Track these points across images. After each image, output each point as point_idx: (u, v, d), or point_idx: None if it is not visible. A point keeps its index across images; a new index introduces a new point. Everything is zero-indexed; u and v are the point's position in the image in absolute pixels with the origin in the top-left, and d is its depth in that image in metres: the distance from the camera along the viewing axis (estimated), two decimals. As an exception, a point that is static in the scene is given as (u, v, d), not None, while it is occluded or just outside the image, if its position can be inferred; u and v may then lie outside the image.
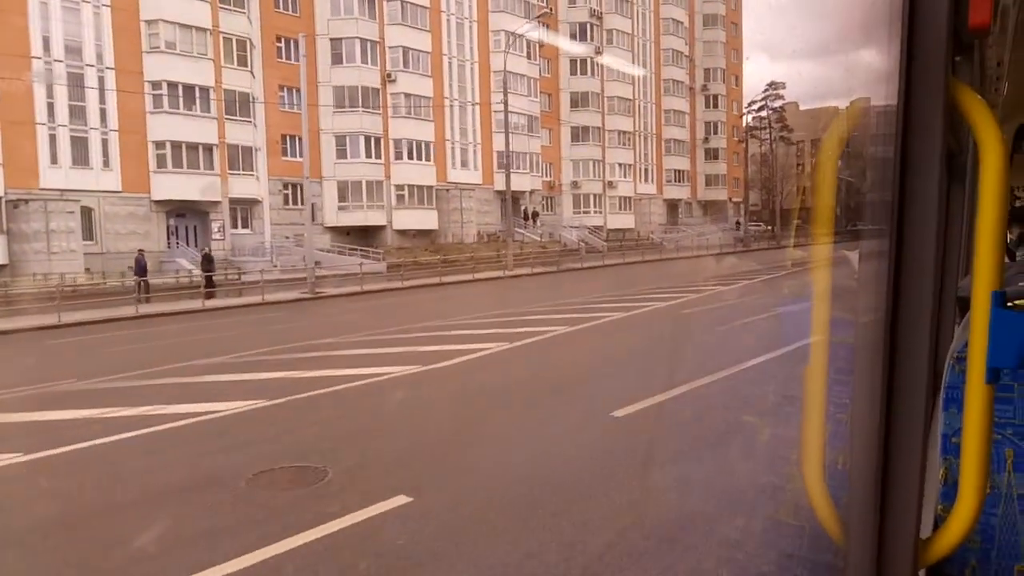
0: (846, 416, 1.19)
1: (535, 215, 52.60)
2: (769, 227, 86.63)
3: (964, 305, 1.84)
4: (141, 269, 27.76)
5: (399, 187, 44.40)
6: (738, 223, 76.87)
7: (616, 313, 15.99)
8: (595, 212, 58.28)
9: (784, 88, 66.36)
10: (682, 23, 65.69)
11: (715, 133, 71.38)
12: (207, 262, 28.94)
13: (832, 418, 1.31)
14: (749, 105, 67.12)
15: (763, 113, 65.97)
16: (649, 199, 63.07)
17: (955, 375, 1.50)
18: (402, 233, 44.69)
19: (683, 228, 64.89)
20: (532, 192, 54.15)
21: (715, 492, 5.67)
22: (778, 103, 66.21)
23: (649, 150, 63.97)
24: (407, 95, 44.35)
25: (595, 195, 58.27)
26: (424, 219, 45.18)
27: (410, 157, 44.60)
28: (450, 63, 47.88)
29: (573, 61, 57.06)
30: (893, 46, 1.06)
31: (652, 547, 4.70)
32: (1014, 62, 2.10)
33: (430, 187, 45.54)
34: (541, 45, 54.80)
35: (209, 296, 25.71)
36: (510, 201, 37.28)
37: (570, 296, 21.71)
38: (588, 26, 57.25)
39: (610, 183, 58.96)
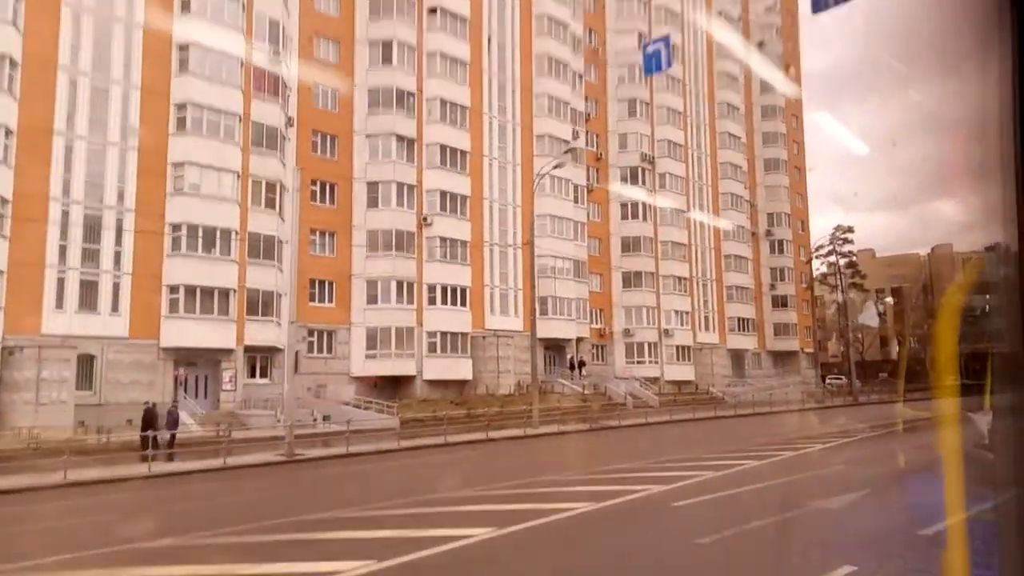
0: None
1: (581, 364, 48.27)
2: (848, 381, 79.24)
3: None
4: (147, 423, 23.25)
5: (431, 334, 41.24)
6: (823, 378, 70.48)
7: (585, 504, 11.47)
8: (650, 362, 53.51)
9: (853, 232, 61.84)
10: (740, 167, 63.01)
11: (782, 279, 66.66)
12: (150, 418, 23.27)
13: None
14: (817, 249, 62.65)
15: (832, 258, 61.26)
16: (711, 349, 57.98)
17: None
18: (433, 383, 41.02)
19: (750, 381, 59.10)
20: (580, 340, 50.19)
21: None
22: (847, 248, 61.58)
23: (709, 297, 59.64)
24: (443, 239, 42.13)
25: (650, 344, 53.76)
26: (456, 368, 41.53)
27: (444, 302, 41.71)
28: (491, 206, 45.87)
29: (624, 205, 54.51)
30: (1008, 193, 0.99)
31: None
32: None
33: (464, 334, 42.21)
34: (590, 190, 52.67)
35: (168, 458, 22.11)
36: (535, 349, 33.31)
37: (564, 469, 17.25)
38: (639, 170, 55.06)
39: (666, 331, 54.48)
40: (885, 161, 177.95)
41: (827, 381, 75.65)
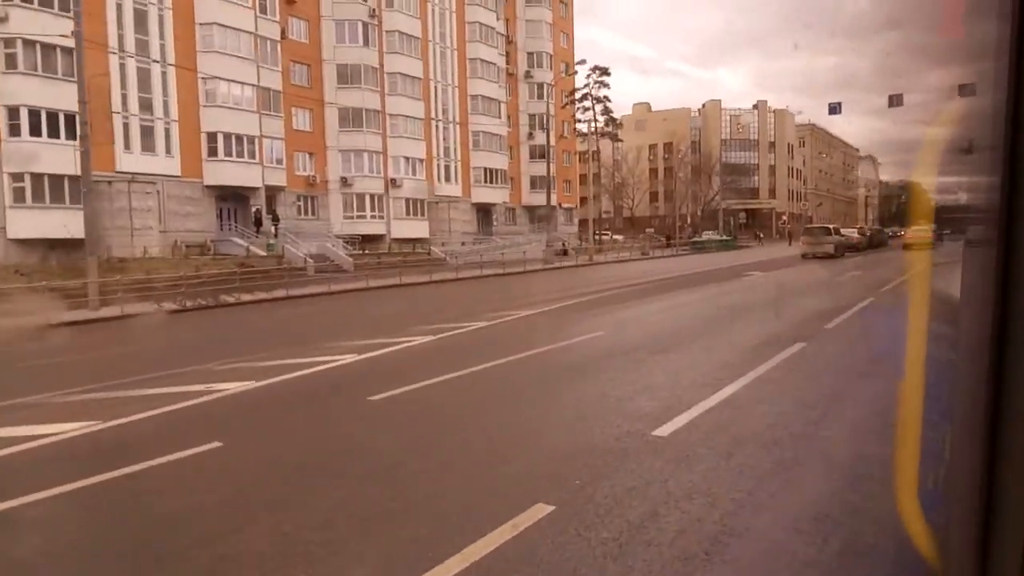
0: (941, 435, 1.08)
1: (275, 218, 37.57)
2: (607, 235, 74.73)
3: None
4: None
5: (16, 177, 28.53)
6: (598, 235, 64.54)
7: None
8: (373, 217, 43.83)
9: (609, 75, 53.88)
10: (493, -8, 52.14)
11: (542, 127, 58.23)
12: None
13: (926, 436, 1.17)
14: (571, 93, 54.33)
15: (587, 103, 53.34)
16: (450, 202, 49.11)
17: None
18: (24, 244, 28.78)
19: (497, 238, 51.36)
20: (280, 190, 39.27)
21: (789, 510, 4.56)
22: (603, 92, 53.78)
23: (452, 143, 50.07)
24: (29, 41, 28.56)
25: (374, 195, 43.81)
26: (60, 223, 29.32)
27: (37, 132, 28.73)
28: (120, 5, 32.21)
29: (340, 24, 42.39)
30: (1003, 34, 0.92)
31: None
32: None
33: (73, 177, 29.76)
34: (291, 0, 39.98)
35: None
36: (89, 195, 21.90)
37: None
38: (360, -18, 42.78)
39: (393, 181, 44.65)
40: (675, 24, 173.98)
41: (598, 238, 70.80)
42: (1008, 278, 0.93)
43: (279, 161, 38.73)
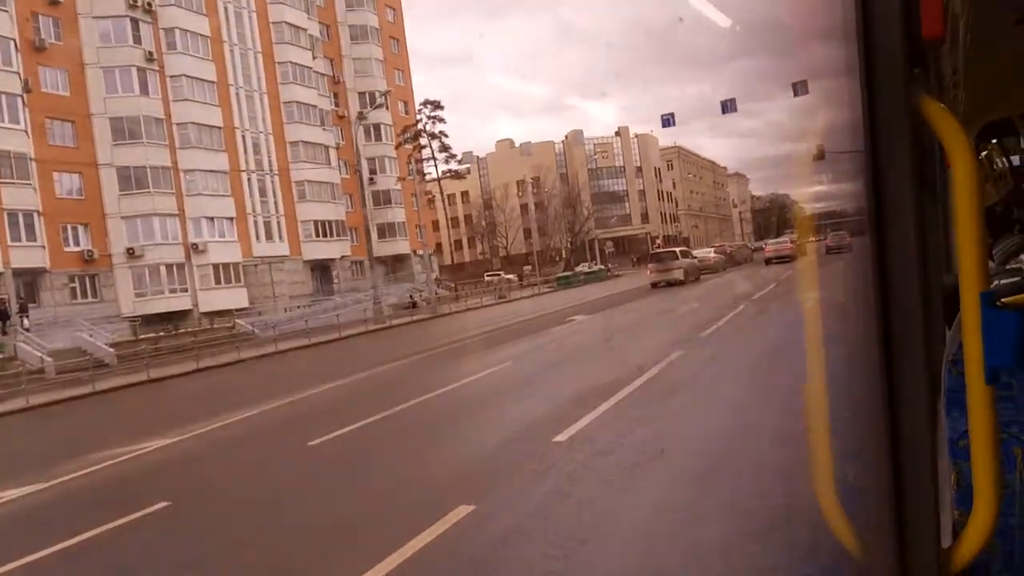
0: (849, 430, 1.15)
1: (22, 309, 30.47)
2: (496, 275, 70.42)
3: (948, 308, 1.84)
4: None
5: None
6: (438, 279, 59.30)
7: None
8: (173, 291, 37.18)
9: (442, 109, 49.57)
10: (304, 30, 46.92)
11: (383, 171, 53.21)
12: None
13: (837, 432, 1.22)
14: (403, 132, 49.61)
15: (422, 141, 48.73)
16: (273, 262, 42.96)
17: (953, 378, 1.39)
18: None
19: (339, 297, 45.38)
20: (43, 272, 32.29)
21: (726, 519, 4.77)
22: (439, 127, 49.36)
23: (271, 196, 44.12)
24: None
25: (171, 265, 37.21)
26: None
27: None
28: None
29: (109, 72, 36.10)
30: (852, 58, 1.00)
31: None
32: (968, 69, 2.06)
33: None
34: (39, 47, 33.44)
35: None
36: None
37: None
38: (130, 22, 36.70)
39: (195, 246, 38.20)
40: (540, 67, 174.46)
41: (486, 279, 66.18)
42: (885, 281, 0.99)
43: (33, 239, 31.77)
